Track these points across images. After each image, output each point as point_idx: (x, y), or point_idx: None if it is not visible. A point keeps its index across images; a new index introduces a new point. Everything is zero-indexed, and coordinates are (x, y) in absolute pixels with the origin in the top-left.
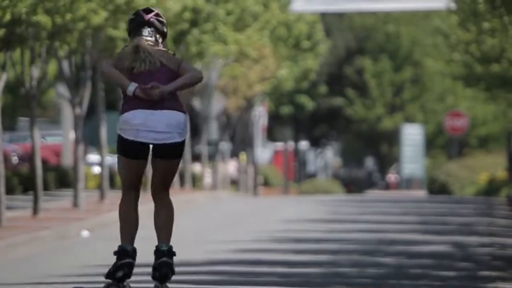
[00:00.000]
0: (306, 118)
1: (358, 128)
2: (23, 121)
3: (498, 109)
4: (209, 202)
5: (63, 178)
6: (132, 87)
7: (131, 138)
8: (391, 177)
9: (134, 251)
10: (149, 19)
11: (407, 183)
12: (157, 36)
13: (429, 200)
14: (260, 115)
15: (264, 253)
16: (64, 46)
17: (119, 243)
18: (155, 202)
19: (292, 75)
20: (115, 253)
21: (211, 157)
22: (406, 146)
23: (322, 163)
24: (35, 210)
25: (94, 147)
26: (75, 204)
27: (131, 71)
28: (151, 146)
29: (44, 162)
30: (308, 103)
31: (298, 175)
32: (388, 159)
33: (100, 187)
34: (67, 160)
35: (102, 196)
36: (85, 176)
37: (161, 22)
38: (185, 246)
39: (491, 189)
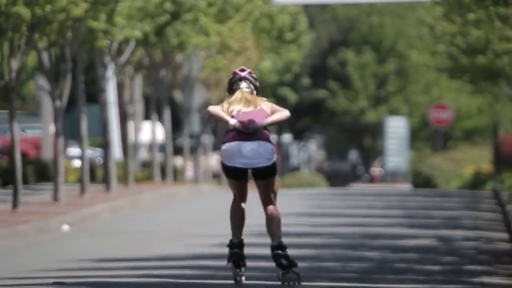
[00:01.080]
0: (289, 111)
1: (342, 120)
2: (2, 113)
3: (484, 102)
4: (191, 196)
5: (43, 172)
6: (233, 121)
7: (231, 164)
8: (375, 170)
9: (240, 243)
10: (244, 76)
11: (391, 177)
12: (252, 87)
13: (414, 194)
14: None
15: (246, 248)
16: (44, 37)
17: (99, 237)
18: (266, 213)
19: (275, 67)
20: (227, 245)
21: (193, 150)
22: (390, 139)
23: (306, 156)
24: (15, 204)
25: (75, 140)
26: (55, 198)
27: (236, 113)
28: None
29: (24, 156)
30: (291, 95)
31: (281, 168)
32: (372, 152)
33: (80, 181)
34: (47, 154)
35: (82, 190)
36: (65, 169)
37: (253, 77)
38: (167, 240)
39: (477, 182)
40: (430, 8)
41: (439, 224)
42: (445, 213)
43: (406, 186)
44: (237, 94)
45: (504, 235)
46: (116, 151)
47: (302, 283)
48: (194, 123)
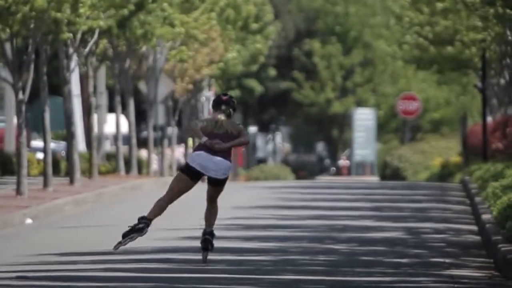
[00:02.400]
0: (255, 103)
1: (308, 112)
2: None
3: (452, 93)
4: (156, 189)
5: (5, 165)
6: (204, 139)
7: (193, 165)
8: (343, 162)
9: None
10: (225, 100)
11: (359, 169)
12: (230, 110)
13: (382, 186)
14: (208, 99)
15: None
16: (7, 29)
17: (63, 230)
18: (208, 206)
19: (241, 58)
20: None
21: (158, 143)
22: (357, 131)
23: (272, 149)
24: None
25: (38, 133)
26: (18, 191)
27: (209, 132)
28: (205, 176)
29: None
30: (257, 87)
31: (247, 161)
32: (339, 144)
33: (44, 174)
34: (10, 146)
35: (46, 183)
36: (28, 162)
37: (233, 101)
38: None
39: (445, 174)
40: None
41: (407, 217)
42: (413, 206)
43: (374, 179)
44: (215, 117)
45: (473, 227)
46: (80, 144)
47: (269, 276)
48: (159, 115)
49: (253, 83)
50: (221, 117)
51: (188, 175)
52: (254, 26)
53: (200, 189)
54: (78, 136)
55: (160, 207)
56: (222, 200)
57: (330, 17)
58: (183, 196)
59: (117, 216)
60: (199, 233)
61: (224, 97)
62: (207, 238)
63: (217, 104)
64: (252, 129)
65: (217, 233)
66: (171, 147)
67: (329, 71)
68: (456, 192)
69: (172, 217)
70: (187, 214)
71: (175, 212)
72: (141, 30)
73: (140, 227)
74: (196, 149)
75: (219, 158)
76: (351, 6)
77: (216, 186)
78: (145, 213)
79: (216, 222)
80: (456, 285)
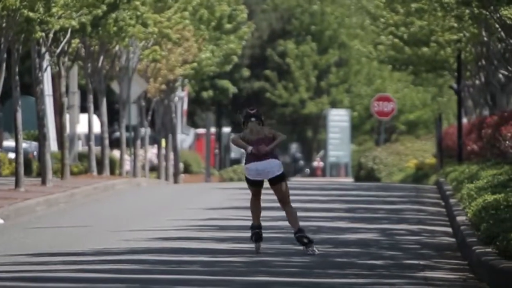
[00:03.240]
0: (228, 103)
1: (282, 112)
2: None
3: (427, 94)
4: (129, 190)
5: None
6: (250, 148)
7: (253, 178)
8: (317, 163)
9: (258, 226)
10: (253, 113)
11: (333, 170)
12: (259, 121)
13: (356, 187)
14: (182, 100)
15: (186, 242)
16: None
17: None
18: (285, 211)
19: (214, 59)
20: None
21: (130, 143)
22: (332, 131)
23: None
24: None
25: (10, 133)
26: None
27: (250, 141)
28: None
29: None
30: (230, 88)
31: (221, 161)
32: (313, 145)
33: (15, 174)
34: None
35: (17, 184)
36: (0, 162)
37: (260, 113)
38: (105, 235)
39: (420, 176)
40: None
41: (381, 218)
42: (387, 207)
43: (348, 180)
44: (250, 127)
45: (448, 229)
46: (52, 144)
47: (242, 278)
48: (131, 115)
49: (226, 84)
50: (252, 125)
51: (253, 185)
52: (228, 26)
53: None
54: (50, 136)
55: (256, 208)
56: (195, 200)
57: (305, 16)
58: (153, 199)
59: (89, 217)
60: (171, 234)
61: (252, 111)
62: (300, 236)
63: (247, 117)
64: (226, 129)
65: (190, 234)
66: (144, 148)
67: (303, 71)
68: (431, 193)
69: (144, 218)
70: (159, 216)
71: (147, 213)
72: (114, 28)
73: (257, 237)
74: (246, 161)
75: (268, 160)
76: (327, 5)
77: (277, 184)
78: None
79: (189, 223)
80: (430, 287)
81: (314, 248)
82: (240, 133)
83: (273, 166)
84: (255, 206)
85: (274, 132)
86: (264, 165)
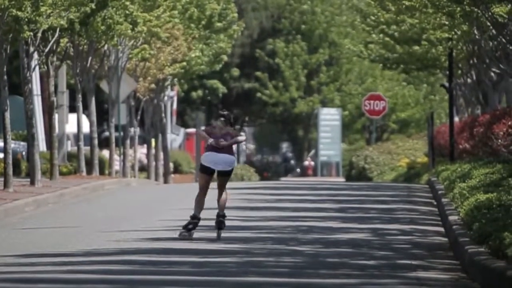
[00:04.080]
0: (218, 102)
1: (273, 112)
2: None
3: (418, 92)
4: (118, 190)
5: None
6: (210, 140)
7: (206, 164)
8: (308, 163)
9: (197, 217)
10: (223, 114)
11: (324, 169)
12: (228, 118)
13: (347, 187)
14: (171, 99)
15: (176, 242)
16: None
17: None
18: (218, 193)
19: (204, 58)
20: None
21: (120, 143)
22: (322, 130)
23: (236, 149)
24: None
25: None
26: None
27: (213, 134)
28: (216, 170)
29: None
30: (220, 87)
31: None
32: (304, 144)
33: (4, 174)
34: None
35: (6, 184)
36: None
37: (229, 116)
38: (94, 235)
39: (412, 175)
40: None
41: (373, 218)
42: (379, 207)
43: (340, 179)
44: (217, 123)
45: (440, 229)
46: (40, 144)
47: (233, 278)
48: (121, 115)
49: (216, 83)
50: (220, 123)
51: (205, 172)
52: (218, 25)
53: (159, 187)
54: (39, 136)
55: (200, 203)
56: (185, 200)
57: (295, 15)
58: (143, 199)
59: (78, 217)
60: (161, 234)
61: (223, 112)
62: (221, 220)
63: (218, 116)
64: None
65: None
66: (133, 148)
67: (293, 70)
68: (422, 193)
69: (134, 218)
70: (148, 216)
71: (136, 213)
72: (103, 26)
73: (190, 227)
74: (206, 150)
75: (224, 154)
76: (317, 4)
77: (224, 176)
78: (186, 213)
79: (179, 223)
80: (422, 287)
81: (220, 234)
82: (208, 127)
83: (226, 161)
84: (200, 199)
85: (238, 133)
86: (219, 157)
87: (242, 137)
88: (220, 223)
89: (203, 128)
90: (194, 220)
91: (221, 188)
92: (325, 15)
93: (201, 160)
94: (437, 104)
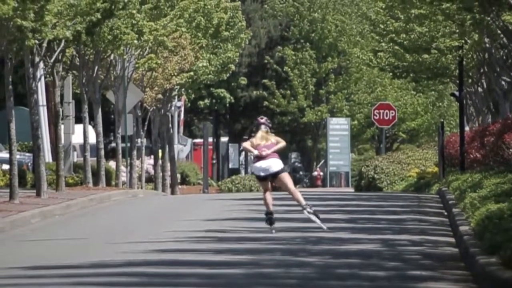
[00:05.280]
0: (226, 112)
1: (281, 121)
2: None
3: (428, 101)
4: (125, 201)
5: None
6: (256, 152)
7: (258, 174)
8: (317, 173)
9: (271, 212)
10: (263, 122)
11: (333, 180)
12: (268, 128)
13: (357, 197)
14: (179, 109)
15: (183, 254)
16: None
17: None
18: (290, 193)
19: (211, 68)
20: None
21: (127, 154)
22: (331, 140)
23: (244, 159)
24: None
25: (4, 144)
26: None
27: (257, 145)
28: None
29: None
30: (227, 97)
31: (218, 172)
32: (313, 154)
33: (9, 185)
34: None
35: (12, 195)
36: None
37: (268, 122)
38: (101, 247)
39: (422, 185)
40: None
41: (383, 229)
42: (389, 217)
43: (349, 190)
44: (258, 134)
45: (450, 239)
46: (46, 155)
47: None
48: (127, 125)
49: (222, 92)
50: (262, 133)
51: (260, 180)
52: (226, 34)
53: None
54: (44, 147)
55: (267, 200)
56: (192, 212)
57: (304, 24)
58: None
59: (85, 229)
60: (168, 246)
61: (262, 120)
62: (308, 211)
63: (258, 125)
64: (224, 139)
65: (187, 246)
66: (140, 158)
67: (302, 79)
68: (433, 203)
69: (141, 230)
70: (156, 227)
71: (144, 225)
72: (109, 36)
73: (270, 222)
74: (254, 162)
75: (270, 159)
76: (328, 13)
77: (278, 176)
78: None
79: (186, 235)
80: None
81: (321, 224)
82: (252, 138)
83: (273, 164)
84: (266, 198)
85: (278, 139)
86: (266, 163)
87: (282, 144)
88: (311, 213)
89: (247, 142)
90: (269, 215)
91: (287, 189)
92: (335, 24)
93: (254, 171)
94: (446, 111)
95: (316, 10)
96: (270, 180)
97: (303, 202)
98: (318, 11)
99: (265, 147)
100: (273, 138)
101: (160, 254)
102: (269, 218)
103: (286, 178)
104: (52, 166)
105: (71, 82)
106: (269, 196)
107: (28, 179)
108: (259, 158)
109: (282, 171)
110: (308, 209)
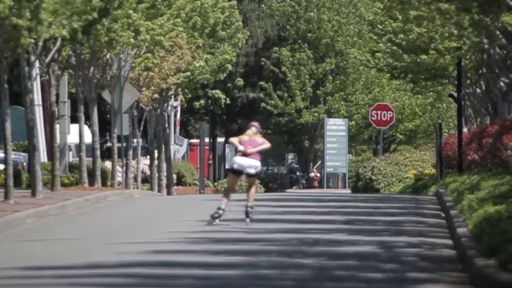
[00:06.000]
0: (222, 113)
1: (278, 122)
2: None
3: (426, 102)
4: (121, 202)
5: None
6: (241, 147)
7: (234, 166)
8: (314, 174)
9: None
10: (254, 125)
11: (330, 181)
12: (258, 131)
13: (354, 199)
14: (175, 109)
15: (179, 255)
16: None
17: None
18: (247, 189)
19: (208, 68)
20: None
21: (122, 154)
22: (329, 141)
23: None
24: None
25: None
26: None
27: (243, 141)
28: (244, 172)
29: None
30: (223, 97)
31: (215, 172)
32: (310, 155)
33: (4, 185)
34: None
35: (7, 195)
36: None
37: (259, 126)
38: (97, 247)
39: (419, 186)
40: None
41: (380, 230)
42: (387, 219)
43: (346, 191)
44: (248, 131)
45: (448, 241)
46: (42, 155)
47: None
48: (123, 125)
49: (218, 93)
50: (250, 131)
51: (233, 173)
52: (222, 33)
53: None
54: (40, 147)
55: (227, 196)
56: (188, 212)
57: (301, 23)
58: (146, 210)
59: (80, 229)
60: (164, 246)
61: (254, 123)
62: (248, 210)
63: (249, 125)
64: (220, 140)
65: (183, 246)
66: (136, 159)
67: (299, 79)
68: (430, 205)
69: (136, 230)
70: (151, 228)
71: (139, 225)
72: (106, 38)
73: (217, 216)
74: (235, 154)
75: (251, 159)
76: (324, 13)
77: (251, 177)
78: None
79: (182, 235)
80: None
81: (248, 221)
82: (240, 135)
83: (253, 165)
84: (227, 195)
85: (265, 140)
86: (246, 161)
87: (267, 145)
88: (247, 213)
89: (235, 137)
90: (220, 211)
91: (250, 186)
92: (332, 23)
93: (231, 163)
94: (444, 112)
95: (312, 9)
96: (239, 177)
97: (250, 203)
98: (314, 10)
99: (250, 145)
100: (259, 139)
101: (156, 255)
102: (218, 214)
103: (254, 181)
104: (47, 166)
105: (66, 82)
106: (230, 192)
107: (23, 179)
108: (242, 153)
109: (257, 175)
110: (249, 209)
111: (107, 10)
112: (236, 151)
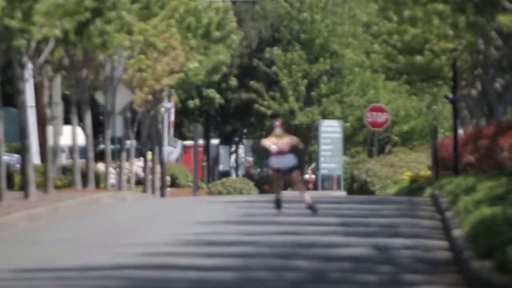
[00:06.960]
0: (216, 114)
1: (272, 124)
2: None
3: (421, 104)
4: (114, 203)
5: None
6: (273, 148)
7: (275, 166)
8: (308, 176)
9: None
10: (278, 124)
11: (325, 183)
12: (283, 129)
13: (349, 201)
14: (169, 111)
15: (174, 257)
16: None
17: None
18: (296, 189)
19: (202, 69)
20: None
21: (116, 156)
22: (323, 143)
23: (235, 162)
24: None
25: None
26: None
27: (275, 143)
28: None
29: None
30: (217, 98)
31: (209, 174)
32: (304, 157)
33: None
34: None
35: None
36: None
37: (282, 124)
38: (90, 249)
39: (415, 188)
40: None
41: (375, 232)
42: (382, 221)
43: (341, 193)
44: (276, 132)
45: (444, 243)
46: (34, 157)
47: None
48: (116, 127)
49: (212, 93)
50: (276, 132)
51: (276, 172)
52: (216, 34)
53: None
54: (33, 149)
55: (277, 189)
56: (182, 214)
57: (294, 24)
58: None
59: (73, 232)
60: (158, 249)
61: (277, 123)
62: (311, 207)
63: (274, 127)
64: (214, 141)
65: (178, 249)
66: (129, 160)
67: (292, 80)
68: (426, 206)
69: (130, 232)
70: (145, 230)
71: (133, 227)
72: (99, 39)
73: (278, 205)
74: (272, 156)
75: (285, 155)
76: (317, 13)
77: (291, 172)
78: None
79: (177, 238)
80: None
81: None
82: (270, 137)
83: (290, 160)
84: (275, 187)
85: (291, 137)
86: (282, 159)
87: (294, 139)
88: (312, 209)
89: (265, 139)
90: (278, 201)
91: (295, 183)
92: (326, 23)
93: (270, 165)
94: (440, 114)
95: (306, 9)
96: (283, 175)
97: (307, 202)
98: (308, 10)
99: (280, 145)
100: (287, 138)
101: (149, 257)
102: (277, 202)
103: (297, 175)
104: (40, 167)
105: (60, 83)
106: (278, 186)
107: (16, 181)
108: (277, 153)
109: (295, 167)
110: (311, 206)
111: (100, 10)
112: (271, 153)
